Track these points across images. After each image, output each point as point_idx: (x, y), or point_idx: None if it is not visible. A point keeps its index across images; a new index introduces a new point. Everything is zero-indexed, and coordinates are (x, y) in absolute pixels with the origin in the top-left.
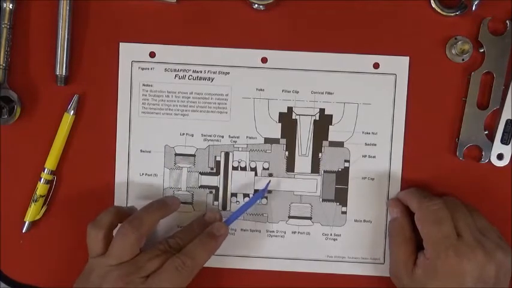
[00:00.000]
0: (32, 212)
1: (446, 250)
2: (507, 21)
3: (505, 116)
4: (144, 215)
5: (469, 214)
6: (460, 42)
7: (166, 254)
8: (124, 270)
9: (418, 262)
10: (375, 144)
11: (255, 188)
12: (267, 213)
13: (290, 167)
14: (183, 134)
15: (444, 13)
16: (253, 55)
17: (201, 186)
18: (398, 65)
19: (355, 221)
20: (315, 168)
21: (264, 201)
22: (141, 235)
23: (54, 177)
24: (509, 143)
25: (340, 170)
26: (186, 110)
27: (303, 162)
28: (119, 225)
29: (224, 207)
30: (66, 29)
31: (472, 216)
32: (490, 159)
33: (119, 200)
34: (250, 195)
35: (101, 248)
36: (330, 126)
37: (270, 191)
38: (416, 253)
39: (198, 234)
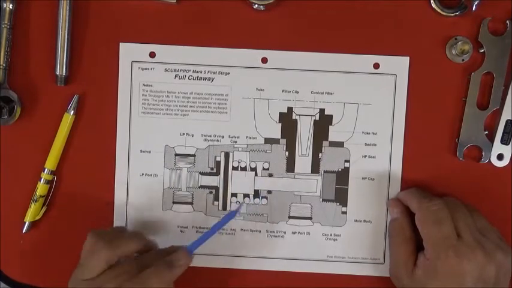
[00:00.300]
0: (32, 212)
1: (446, 250)
2: (507, 22)
3: (505, 116)
4: (124, 240)
5: (469, 214)
6: (460, 42)
7: (127, 275)
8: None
9: (418, 262)
10: (375, 145)
11: (255, 188)
12: (267, 213)
13: (290, 167)
14: (183, 134)
15: (444, 13)
16: (253, 55)
17: (201, 186)
18: (399, 65)
19: (355, 221)
20: (315, 168)
21: (264, 201)
22: (113, 256)
23: (54, 177)
24: (509, 143)
25: (340, 170)
26: (186, 110)
27: (303, 163)
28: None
29: (224, 207)
30: (66, 29)
31: (472, 217)
32: (490, 159)
33: (119, 201)
34: (250, 196)
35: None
36: (330, 127)
37: (270, 191)
38: (416, 253)
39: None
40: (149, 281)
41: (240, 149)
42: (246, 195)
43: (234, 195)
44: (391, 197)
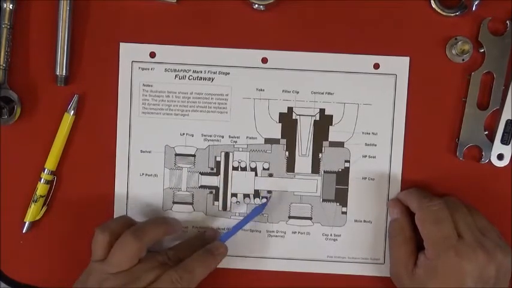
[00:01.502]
0: (32, 212)
1: (446, 250)
2: (507, 21)
3: (505, 116)
4: (148, 227)
5: (469, 214)
6: (460, 42)
7: (164, 266)
8: (120, 280)
9: (418, 262)
10: (375, 145)
11: (255, 188)
12: (267, 214)
13: (290, 167)
14: (183, 134)
15: (444, 13)
16: (253, 55)
17: (201, 187)
18: (399, 65)
19: (355, 221)
20: (315, 168)
21: (264, 201)
22: (142, 246)
23: (54, 178)
24: (509, 143)
25: (340, 170)
26: (186, 110)
27: (303, 163)
28: None
29: (224, 208)
30: (66, 29)
31: (472, 216)
32: (490, 159)
33: (119, 201)
34: (250, 196)
35: (103, 254)
36: (330, 127)
37: (270, 191)
38: (416, 253)
39: (197, 250)
40: (195, 269)
41: (240, 149)
42: (246, 195)
43: (234, 195)
44: (391, 197)
